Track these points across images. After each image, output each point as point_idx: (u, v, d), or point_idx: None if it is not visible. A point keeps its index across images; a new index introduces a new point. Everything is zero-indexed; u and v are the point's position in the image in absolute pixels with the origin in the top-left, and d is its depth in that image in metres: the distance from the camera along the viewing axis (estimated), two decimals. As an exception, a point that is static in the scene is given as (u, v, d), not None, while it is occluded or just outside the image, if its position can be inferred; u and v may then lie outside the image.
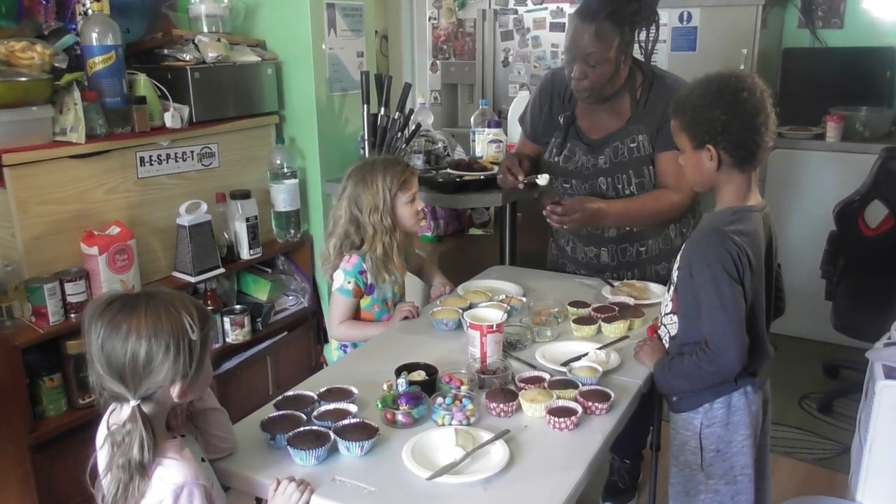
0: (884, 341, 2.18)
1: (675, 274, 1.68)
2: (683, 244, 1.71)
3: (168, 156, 2.50)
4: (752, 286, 1.55)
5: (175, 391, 1.22)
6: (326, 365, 2.95)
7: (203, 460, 1.31)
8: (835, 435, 2.93)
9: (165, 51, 2.58)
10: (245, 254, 2.71)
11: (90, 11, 2.34)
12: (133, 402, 1.20)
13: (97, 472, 1.23)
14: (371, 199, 2.03)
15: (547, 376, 1.62)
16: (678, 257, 1.67)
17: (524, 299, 2.04)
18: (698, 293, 1.56)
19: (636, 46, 2.08)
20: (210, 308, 2.61)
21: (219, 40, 2.67)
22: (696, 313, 1.58)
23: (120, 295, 1.24)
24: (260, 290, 2.88)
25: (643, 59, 2.12)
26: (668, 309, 1.69)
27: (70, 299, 2.15)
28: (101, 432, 1.27)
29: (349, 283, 2.04)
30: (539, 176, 2.18)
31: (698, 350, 1.56)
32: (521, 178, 2.16)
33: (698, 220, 2.20)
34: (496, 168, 2.78)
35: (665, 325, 1.71)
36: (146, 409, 1.22)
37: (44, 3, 2.33)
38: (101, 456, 1.23)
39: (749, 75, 1.58)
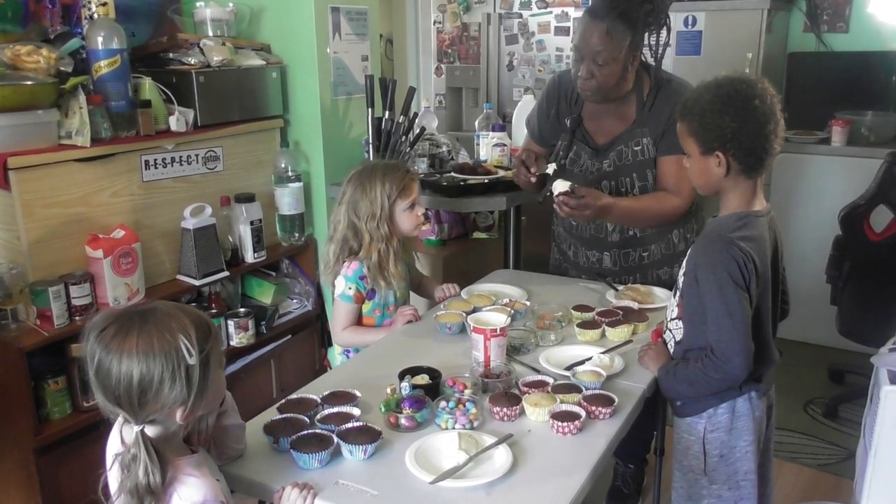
0: (889, 346, 2.16)
1: (680, 279, 1.67)
2: (687, 249, 1.70)
3: (173, 159, 2.50)
4: (757, 292, 1.55)
5: (178, 415, 1.18)
6: (330, 368, 2.95)
7: (218, 480, 1.28)
8: (840, 440, 2.92)
9: (171, 55, 2.60)
10: (249, 257, 2.71)
11: (96, 15, 2.36)
12: (136, 428, 1.17)
13: (109, 487, 1.21)
14: (369, 206, 2.02)
15: (550, 380, 1.61)
16: (684, 262, 1.66)
17: (528, 303, 2.04)
18: (704, 300, 1.55)
19: (646, 50, 2.07)
20: (214, 311, 2.62)
21: (224, 44, 2.68)
22: (701, 319, 1.57)
23: (116, 317, 1.18)
24: (264, 294, 2.89)
25: (653, 63, 2.11)
26: (674, 314, 1.69)
27: (75, 302, 2.16)
28: (113, 444, 1.26)
29: (350, 288, 2.04)
30: (548, 166, 2.16)
31: (704, 356, 1.56)
32: (533, 170, 2.14)
33: (701, 225, 2.20)
34: (500, 172, 2.78)
35: (671, 330, 1.70)
36: (152, 432, 1.19)
37: (50, 7, 2.35)
38: (112, 476, 1.21)
39: (759, 80, 1.57)
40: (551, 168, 2.13)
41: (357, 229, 2.04)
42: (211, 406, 1.28)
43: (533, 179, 2.15)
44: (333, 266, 2.08)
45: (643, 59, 2.10)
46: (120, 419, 1.23)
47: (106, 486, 1.22)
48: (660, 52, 2.07)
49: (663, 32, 2.06)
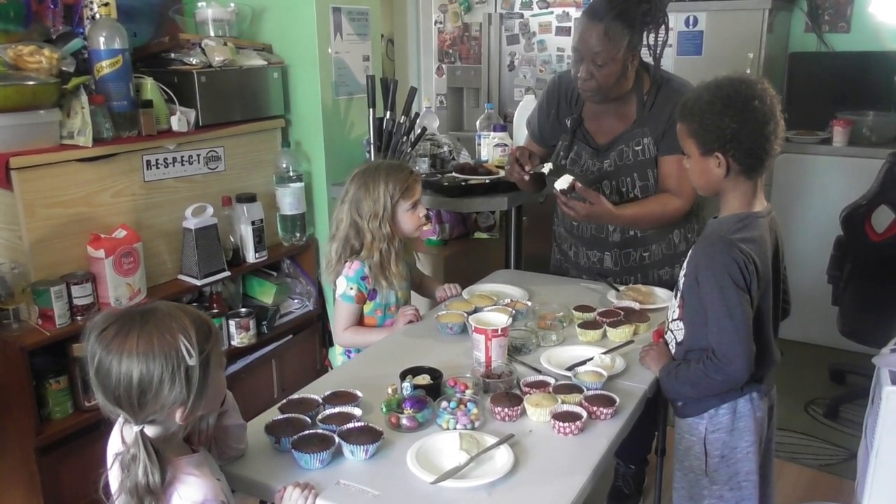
0: (890, 347, 2.16)
1: (681, 280, 1.67)
2: (688, 249, 1.70)
3: (174, 159, 2.50)
4: (758, 293, 1.55)
5: (177, 416, 1.18)
6: (331, 368, 2.95)
7: (219, 480, 1.28)
8: (841, 441, 2.92)
9: (172, 55, 2.60)
10: (251, 257, 2.71)
11: (98, 16, 2.36)
12: (136, 428, 1.17)
13: (109, 486, 1.21)
14: (372, 205, 2.02)
15: (552, 381, 1.61)
16: (685, 264, 1.66)
17: (529, 303, 2.04)
18: (705, 301, 1.55)
19: (645, 49, 2.07)
20: (215, 311, 2.62)
21: (225, 44, 2.68)
22: (701, 320, 1.57)
23: (116, 317, 1.18)
24: (265, 294, 2.89)
25: (652, 62, 2.11)
26: (675, 315, 1.68)
27: (76, 302, 2.16)
28: (113, 443, 1.26)
29: (352, 289, 2.04)
30: (544, 165, 2.17)
31: (705, 358, 1.55)
32: (527, 168, 2.15)
33: (702, 225, 2.20)
34: (502, 172, 2.78)
35: (672, 331, 1.70)
36: (152, 432, 1.19)
37: (52, 7, 2.35)
38: (113, 475, 1.21)
39: (759, 81, 1.56)
40: (547, 167, 2.13)
41: (359, 228, 2.04)
42: (211, 406, 1.28)
43: (526, 177, 2.15)
44: (336, 265, 2.08)
45: (642, 58, 2.10)
46: (121, 419, 1.23)
47: (107, 485, 1.22)
48: (658, 51, 2.07)
49: (662, 31, 2.06)
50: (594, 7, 2.02)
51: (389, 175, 2.04)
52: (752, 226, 1.58)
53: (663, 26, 2.05)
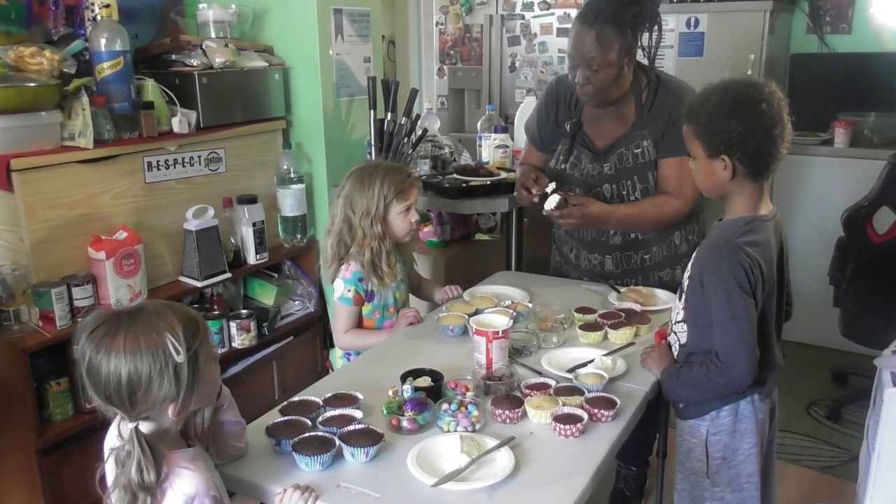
0: (892, 348, 2.16)
1: (685, 282, 1.67)
2: (689, 250, 1.70)
3: (175, 161, 2.50)
4: (763, 297, 1.54)
5: (169, 412, 1.20)
6: (332, 370, 2.95)
7: (212, 475, 1.29)
8: (843, 442, 2.91)
9: (173, 56, 2.60)
10: (252, 258, 2.71)
11: (99, 17, 2.36)
12: (130, 425, 1.18)
13: (106, 479, 1.22)
14: (365, 203, 2.02)
15: (553, 383, 1.61)
16: (689, 266, 1.66)
17: (530, 305, 2.04)
18: (710, 305, 1.55)
19: (640, 50, 2.07)
20: (216, 313, 2.62)
21: (226, 46, 2.68)
22: (705, 323, 1.57)
23: (106, 317, 1.20)
24: (266, 295, 2.89)
25: (647, 63, 2.11)
26: (679, 317, 1.68)
27: (77, 304, 2.16)
28: (110, 439, 1.27)
29: (349, 291, 2.04)
30: (548, 185, 2.17)
31: (709, 361, 1.55)
32: (534, 191, 2.15)
33: (703, 227, 2.20)
34: (503, 174, 2.78)
35: (676, 333, 1.70)
36: (146, 428, 1.20)
37: (53, 8, 2.35)
38: (108, 469, 1.22)
39: (767, 84, 1.56)
40: (551, 187, 2.13)
41: (352, 224, 2.04)
42: (205, 401, 1.30)
43: (535, 200, 2.16)
44: (331, 260, 2.08)
45: (639, 60, 2.10)
46: (119, 416, 1.24)
47: (103, 477, 1.23)
48: (653, 52, 2.07)
49: (655, 31, 2.06)
50: (585, 12, 2.02)
51: (387, 175, 2.04)
52: (758, 229, 1.57)
53: (656, 26, 2.05)
